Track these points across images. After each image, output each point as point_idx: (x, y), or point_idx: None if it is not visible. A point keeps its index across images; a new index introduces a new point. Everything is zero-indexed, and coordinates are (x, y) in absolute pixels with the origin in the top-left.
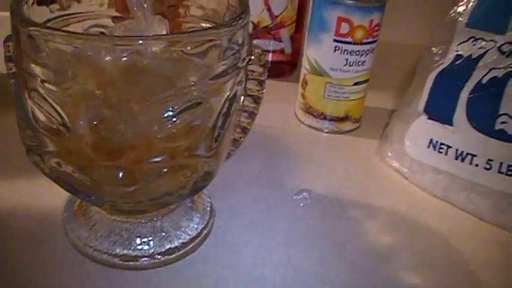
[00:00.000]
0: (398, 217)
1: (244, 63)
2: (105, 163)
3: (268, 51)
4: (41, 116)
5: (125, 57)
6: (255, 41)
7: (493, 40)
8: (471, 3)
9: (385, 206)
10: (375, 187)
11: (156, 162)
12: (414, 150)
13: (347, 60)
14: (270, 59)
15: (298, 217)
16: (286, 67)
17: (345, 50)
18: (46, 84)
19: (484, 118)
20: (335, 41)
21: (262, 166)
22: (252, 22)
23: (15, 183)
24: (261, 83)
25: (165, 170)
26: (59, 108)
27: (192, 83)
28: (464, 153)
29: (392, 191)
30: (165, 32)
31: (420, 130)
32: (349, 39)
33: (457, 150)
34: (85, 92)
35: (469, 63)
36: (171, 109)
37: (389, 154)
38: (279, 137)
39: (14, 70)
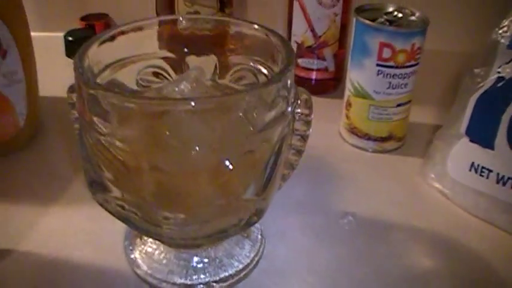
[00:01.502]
0: (440, 239)
1: (291, 110)
2: (165, 210)
3: (312, 69)
4: (104, 163)
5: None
6: (299, 60)
7: None
8: None
9: (427, 227)
10: (417, 208)
11: (211, 206)
12: (456, 172)
13: (390, 83)
14: (314, 77)
15: (344, 241)
16: (330, 84)
17: (387, 74)
18: (108, 138)
19: None
20: (378, 65)
21: (308, 190)
22: (296, 42)
23: (75, 210)
24: (307, 123)
25: (220, 212)
26: (121, 158)
27: (246, 138)
28: (506, 178)
29: (435, 212)
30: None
31: (462, 152)
32: (391, 63)
33: (498, 174)
34: (146, 143)
35: (510, 87)
36: (227, 159)
37: (432, 175)
38: (324, 157)
39: (77, 116)
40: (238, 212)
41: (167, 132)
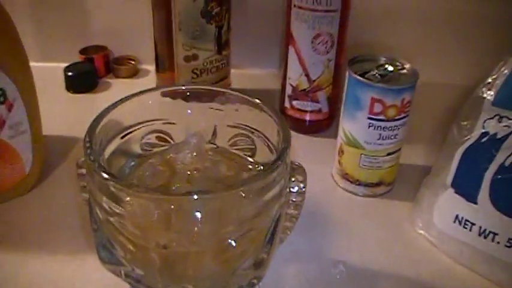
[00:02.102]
0: (425, 286)
1: (288, 186)
2: (171, 283)
3: (306, 111)
4: (114, 239)
5: None
6: (294, 102)
7: None
8: (497, 84)
9: (414, 277)
10: (405, 256)
11: (214, 278)
12: (441, 222)
13: (380, 134)
14: (308, 119)
15: None
16: (323, 123)
17: (378, 126)
18: (118, 219)
19: (505, 200)
20: (369, 118)
21: (303, 236)
22: (291, 85)
23: (83, 259)
24: (301, 194)
25: (223, 281)
26: (130, 238)
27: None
28: (487, 231)
29: (421, 259)
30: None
31: (447, 204)
32: (382, 117)
33: (480, 227)
34: (155, 226)
35: (494, 144)
36: (230, 238)
37: (419, 223)
38: (318, 202)
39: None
40: (239, 280)
41: (173, 218)
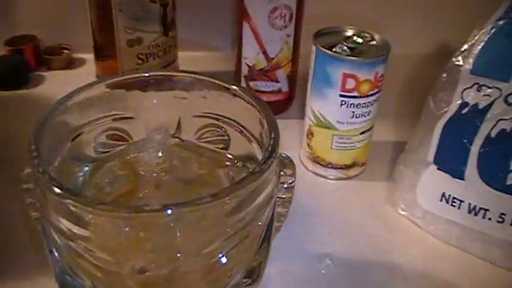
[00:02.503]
0: (419, 273)
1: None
2: None
3: (265, 92)
4: (77, 266)
5: None
6: (251, 83)
7: (498, 88)
8: (475, 50)
9: (403, 262)
10: (391, 241)
11: None
12: (426, 201)
13: (353, 112)
14: (267, 100)
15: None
16: (283, 104)
17: (351, 104)
18: (81, 243)
19: (495, 174)
20: (341, 96)
21: (281, 232)
22: (247, 65)
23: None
24: (290, 189)
25: None
26: (99, 264)
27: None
28: (477, 208)
29: (408, 243)
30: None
31: (431, 182)
32: (355, 93)
33: (469, 204)
34: (128, 249)
35: (476, 114)
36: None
37: (402, 205)
38: None
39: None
40: None
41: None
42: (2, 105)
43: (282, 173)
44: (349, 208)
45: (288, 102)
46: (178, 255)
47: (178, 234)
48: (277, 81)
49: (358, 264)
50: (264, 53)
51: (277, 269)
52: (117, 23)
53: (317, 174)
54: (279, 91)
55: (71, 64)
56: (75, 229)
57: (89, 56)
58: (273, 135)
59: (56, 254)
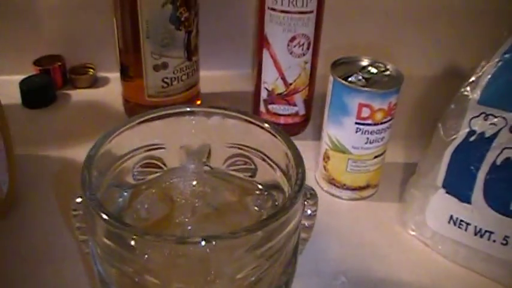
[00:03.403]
0: None
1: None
2: None
3: (283, 115)
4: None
5: None
6: (269, 106)
7: (503, 117)
8: (482, 82)
9: (414, 281)
10: (402, 260)
11: None
12: (435, 223)
13: (368, 139)
14: (284, 122)
15: None
16: (299, 125)
17: (365, 131)
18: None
19: (500, 199)
20: (357, 123)
21: None
22: (267, 89)
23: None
24: (313, 217)
25: None
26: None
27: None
28: (483, 230)
29: (418, 262)
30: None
31: (440, 205)
32: (369, 121)
33: (475, 227)
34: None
35: (483, 143)
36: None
37: (412, 225)
38: None
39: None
40: None
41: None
42: (33, 122)
43: (305, 202)
44: (362, 228)
45: (304, 124)
46: (214, 282)
47: (214, 261)
48: (294, 105)
49: (369, 280)
50: (283, 78)
51: (295, 285)
52: (144, 49)
53: (332, 195)
54: (296, 114)
55: (95, 83)
56: (124, 253)
57: (113, 75)
58: (300, 171)
59: (102, 276)
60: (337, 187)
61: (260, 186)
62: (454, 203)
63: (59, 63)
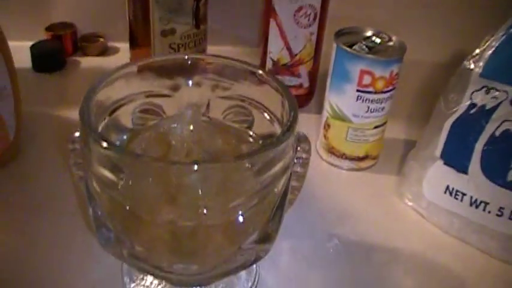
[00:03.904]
0: (418, 259)
1: (294, 160)
2: (178, 262)
3: (288, 86)
4: (116, 215)
5: None
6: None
7: (505, 91)
8: (486, 55)
9: (405, 248)
10: (395, 228)
11: (223, 255)
12: (431, 193)
13: (368, 107)
14: None
15: (331, 265)
16: (303, 98)
17: (366, 99)
18: (121, 192)
19: (497, 170)
20: (358, 91)
21: (293, 212)
22: (272, 59)
23: (68, 241)
24: (305, 165)
25: (230, 258)
26: (135, 212)
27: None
28: (478, 201)
29: (412, 231)
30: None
31: (437, 175)
32: (370, 89)
33: (471, 197)
34: (161, 199)
35: (483, 115)
36: (238, 213)
37: (408, 196)
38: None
39: (77, 162)
40: (247, 256)
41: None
42: (40, 85)
43: (298, 148)
44: (359, 197)
45: (308, 98)
46: (205, 211)
47: (204, 191)
48: (299, 77)
49: (363, 246)
50: (288, 49)
51: (289, 245)
52: (153, 13)
53: (331, 164)
54: (300, 86)
55: (105, 52)
56: (116, 179)
57: (122, 45)
58: (292, 113)
59: (96, 209)
60: (337, 156)
61: (256, 136)
62: (451, 174)
63: (71, 31)
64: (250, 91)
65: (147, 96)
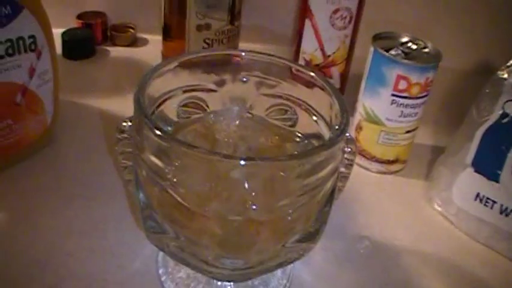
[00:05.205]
0: (446, 264)
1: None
2: (225, 256)
3: None
4: (164, 206)
5: None
6: None
7: None
8: None
9: (434, 252)
10: (424, 232)
11: (269, 251)
12: (461, 200)
13: (402, 112)
14: None
15: (361, 266)
16: None
17: (401, 104)
18: (173, 183)
19: None
20: (393, 95)
21: None
22: (304, 59)
23: (103, 231)
24: (350, 166)
25: (276, 255)
26: (185, 204)
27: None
28: (509, 209)
29: (440, 236)
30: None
31: (468, 182)
32: (406, 94)
33: (501, 205)
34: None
35: None
36: (288, 211)
37: (438, 201)
38: None
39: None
40: (290, 254)
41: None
42: (70, 72)
43: (345, 149)
44: (389, 200)
45: None
46: (254, 207)
47: (252, 186)
48: (330, 78)
49: (391, 248)
50: (322, 50)
51: (321, 245)
52: (189, 8)
53: (361, 166)
54: None
55: (134, 42)
56: (168, 169)
57: (152, 37)
58: (344, 116)
59: (144, 198)
60: (367, 158)
61: (300, 135)
62: (481, 181)
63: (101, 20)
64: (296, 90)
65: (193, 90)
